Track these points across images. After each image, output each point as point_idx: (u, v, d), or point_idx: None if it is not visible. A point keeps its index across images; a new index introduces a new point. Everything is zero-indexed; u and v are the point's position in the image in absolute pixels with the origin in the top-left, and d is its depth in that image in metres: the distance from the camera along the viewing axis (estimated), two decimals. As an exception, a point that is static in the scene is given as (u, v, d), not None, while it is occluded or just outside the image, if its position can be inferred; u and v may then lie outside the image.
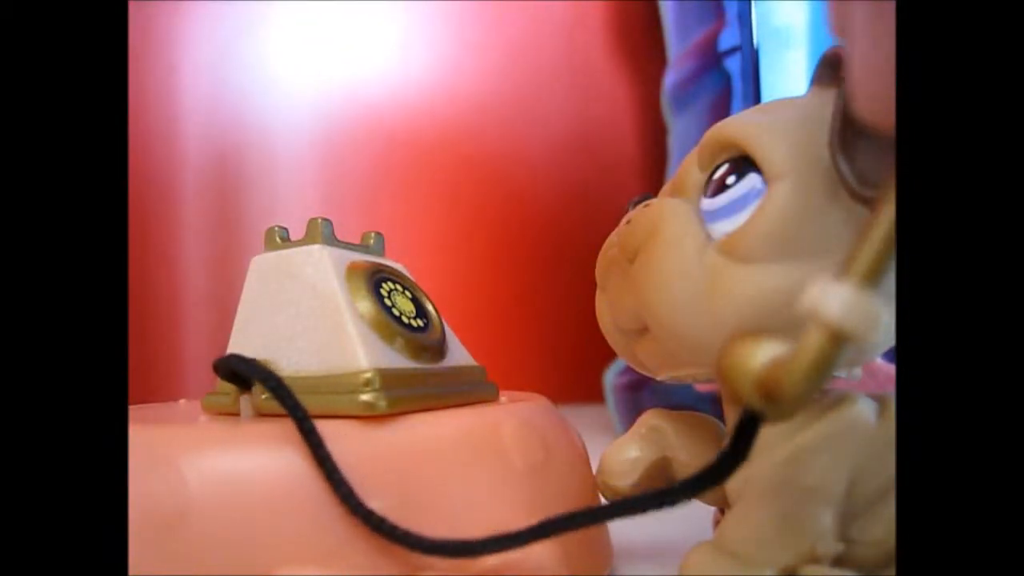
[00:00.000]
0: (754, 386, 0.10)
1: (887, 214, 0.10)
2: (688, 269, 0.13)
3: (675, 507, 0.12)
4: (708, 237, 0.14)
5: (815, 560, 0.13)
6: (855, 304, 0.09)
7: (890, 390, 0.14)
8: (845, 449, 0.13)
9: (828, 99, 0.13)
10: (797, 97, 0.15)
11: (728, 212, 0.14)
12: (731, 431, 0.11)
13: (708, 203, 0.14)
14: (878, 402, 0.14)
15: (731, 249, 0.13)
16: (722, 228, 0.14)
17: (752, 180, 0.14)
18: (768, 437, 0.14)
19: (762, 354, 0.10)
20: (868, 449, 0.13)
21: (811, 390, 0.10)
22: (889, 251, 0.10)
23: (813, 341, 0.10)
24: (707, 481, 0.11)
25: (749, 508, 0.14)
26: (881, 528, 0.13)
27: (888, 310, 0.10)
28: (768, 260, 0.13)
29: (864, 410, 0.14)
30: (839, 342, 0.10)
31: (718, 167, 0.14)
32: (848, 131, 0.12)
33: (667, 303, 0.14)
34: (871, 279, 0.10)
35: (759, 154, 0.13)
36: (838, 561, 0.13)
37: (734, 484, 0.15)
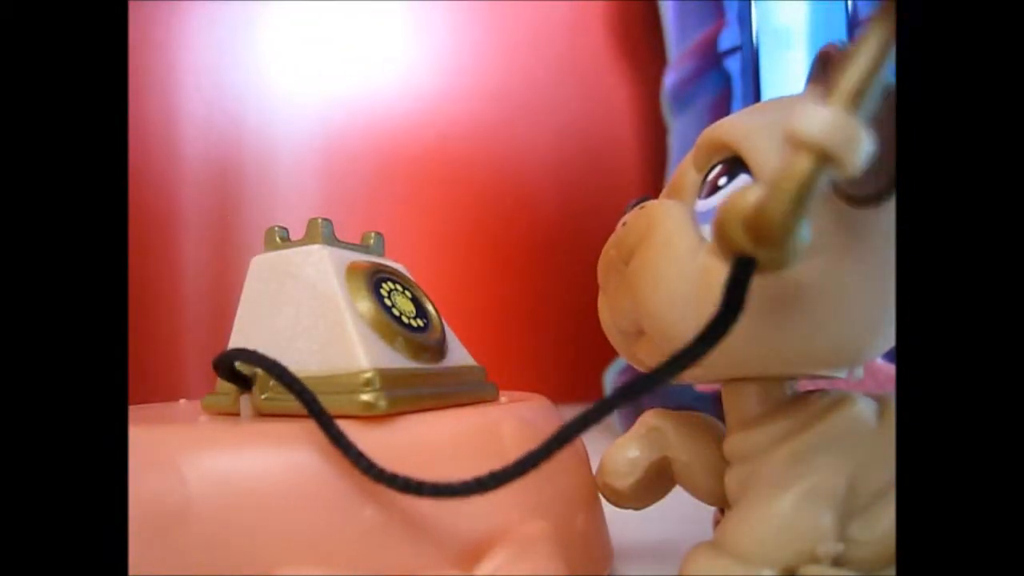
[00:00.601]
0: (742, 225, 0.10)
1: (869, 42, 0.10)
2: (680, 270, 0.13)
3: (673, 376, 0.11)
4: (701, 238, 0.14)
5: (815, 560, 0.13)
6: (835, 124, 0.09)
7: (890, 390, 0.14)
8: (845, 449, 0.13)
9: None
10: (793, 96, 0.15)
11: None
12: (725, 283, 0.11)
13: (702, 204, 0.14)
14: (878, 402, 0.14)
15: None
16: None
17: (743, 181, 0.14)
18: (769, 437, 0.14)
19: (749, 197, 0.10)
20: (868, 449, 0.13)
21: (795, 217, 0.10)
22: (870, 76, 0.10)
23: (794, 162, 0.10)
24: (708, 340, 0.11)
25: (749, 508, 0.14)
26: (881, 528, 0.13)
27: (868, 136, 0.10)
28: None
29: (864, 410, 0.14)
30: (820, 161, 0.10)
31: (712, 168, 0.14)
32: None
33: (660, 305, 0.14)
34: (852, 102, 0.10)
35: (749, 155, 0.13)
36: (838, 561, 0.13)
37: (734, 484, 0.15)
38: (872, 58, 0.10)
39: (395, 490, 0.13)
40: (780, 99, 0.15)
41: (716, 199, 0.14)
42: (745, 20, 0.38)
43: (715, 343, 0.11)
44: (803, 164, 0.10)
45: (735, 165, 0.14)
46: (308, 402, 0.14)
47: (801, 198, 0.10)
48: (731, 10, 0.40)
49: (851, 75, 0.10)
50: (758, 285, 0.12)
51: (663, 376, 0.11)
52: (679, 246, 0.14)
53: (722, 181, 0.14)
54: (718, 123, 0.15)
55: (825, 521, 0.13)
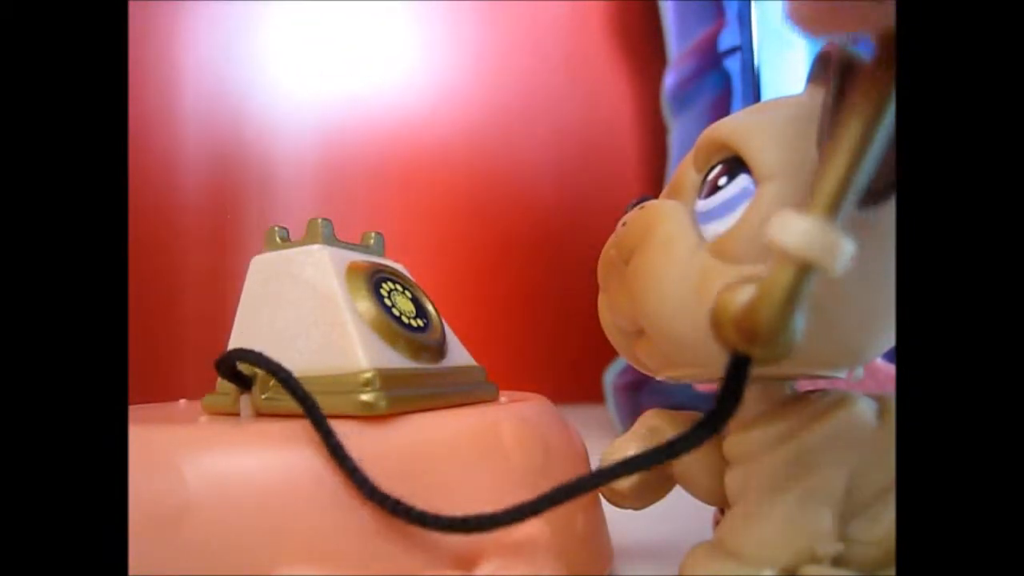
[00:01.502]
0: (733, 327, 0.11)
1: (841, 148, 0.10)
2: (679, 271, 0.13)
3: (675, 458, 0.12)
4: (701, 238, 0.14)
5: (815, 560, 0.13)
6: (814, 233, 0.10)
7: (890, 390, 0.14)
8: (845, 449, 0.13)
9: (821, 98, 0.13)
10: (792, 96, 0.15)
11: (719, 213, 0.14)
12: (722, 378, 0.11)
13: (701, 204, 0.14)
14: (878, 402, 0.14)
15: (722, 250, 0.13)
16: (714, 229, 0.14)
17: (743, 181, 0.14)
18: (769, 437, 0.14)
19: (740, 297, 0.11)
20: (868, 449, 0.13)
21: (784, 321, 0.10)
22: (847, 181, 0.10)
23: (778, 272, 0.10)
24: (707, 429, 0.12)
25: (749, 508, 0.14)
26: (881, 528, 0.13)
27: (848, 241, 0.10)
28: (757, 261, 0.13)
29: (864, 410, 0.14)
30: (803, 271, 0.10)
31: (712, 168, 0.14)
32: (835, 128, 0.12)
33: (659, 305, 0.14)
34: (830, 209, 0.10)
35: (748, 155, 0.13)
36: (838, 561, 0.13)
37: (734, 484, 0.15)
38: (848, 162, 0.10)
39: (387, 512, 0.13)
40: (780, 99, 0.15)
41: (717, 199, 0.14)
42: (745, 20, 0.38)
43: (712, 434, 0.12)
44: (787, 273, 0.10)
45: (735, 165, 0.14)
46: (309, 408, 0.14)
47: (787, 303, 0.10)
48: (731, 10, 0.40)
49: (828, 183, 0.10)
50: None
51: (659, 458, 0.12)
52: (678, 246, 0.14)
53: (722, 181, 0.14)
54: (718, 123, 0.15)
55: (825, 521, 0.13)
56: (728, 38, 0.40)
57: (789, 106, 0.14)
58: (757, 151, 0.13)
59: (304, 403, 0.14)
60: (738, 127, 0.14)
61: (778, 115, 0.14)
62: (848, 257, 0.10)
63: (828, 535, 0.13)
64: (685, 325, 0.13)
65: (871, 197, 0.12)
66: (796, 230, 0.10)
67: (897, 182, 0.11)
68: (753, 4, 0.38)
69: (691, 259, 0.13)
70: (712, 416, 0.12)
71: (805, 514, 0.13)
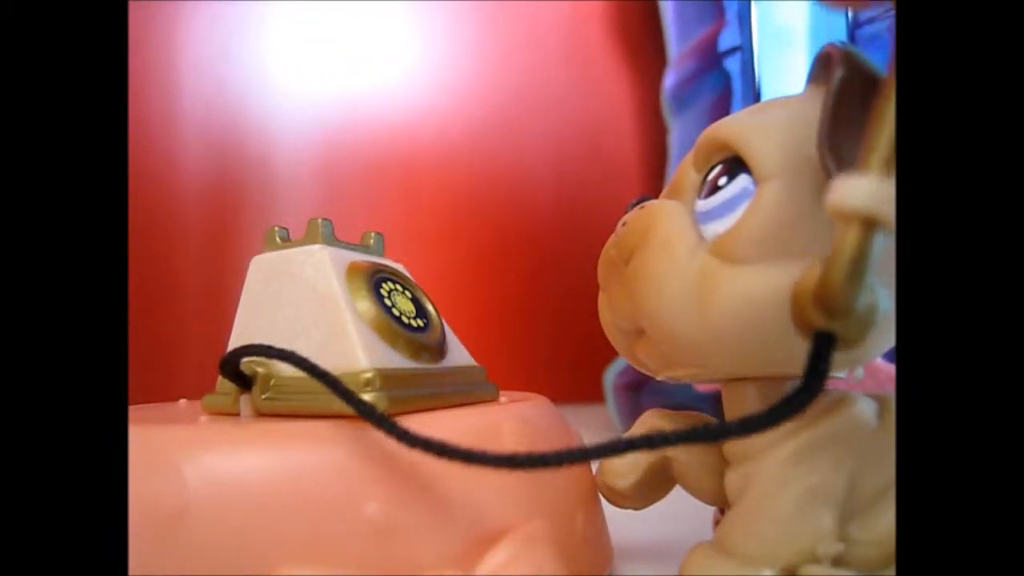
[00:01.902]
0: (812, 302, 0.11)
1: (891, 104, 0.10)
2: (679, 271, 0.13)
3: (758, 432, 0.12)
4: (701, 238, 0.14)
5: (815, 560, 0.13)
6: (878, 191, 0.10)
7: (890, 390, 0.14)
8: (845, 449, 0.13)
9: (821, 97, 0.13)
10: (793, 96, 0.15)
11: (720, 213, 0.14)
12: (808, 359, 0.11)
13: (701, 204, 0.14)
14: (878, 402, 0.14)
15: (722, 250, 0.13)
16: (714, 229, 0.14)
17: (743, 181, 0.14)
18: (769, 437, 0.14)
19: (814, 273, 0.11)
20: (868, 449, 0.13)
21: (857, 284, 0.10)
22: (894, 143, 0.10)
23: (847, 235, 0.10)
24: (794, 405, 0.11)
25: (749, 507, 0.14)
26: (881, 528, 0.13)
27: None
28: (758, 261, 0.13)
29: (864, 410, 0.14)
30: (871, 229, 0.10)
31: (712, 168, 0.14)
32: (836, 129, 0.12)
33: (659, 305, 0.14)
34: (888, 167, 0.10)
35: (749, 155, 0.13)
36: (838, 561, 0.13)
37: (734, 484, 0.15)
38: (893, 122, 0.10)
39: (440, 457, 0.13)
40: (780, 99, 0.15)
41: (717, 199, 0.14)
42: (745, 20, 0.38)
43: (794, 413, 0.11)
44: (854, 234, 0.10)
45: (735, 165, 0.14)
46: (331, 383, 0.14)
47: (858, 266, 0.10)
48: (731, 10, 0.40)
49: (880, 141, 0.10)
50: (759, 286, 0.12)
51: (742, 431, 0.12)
52: (679, 247, 0.14)
53: (722, 181, 0.14)
54: (718, 123, 0.15)
55: (825, 521, 0.13)
56: (728, 38, 0.40)
57: (789, 106, 0.14)
58: (757, 151, 0.13)
59: (323, 378, 0.14)
60: (738, 127, 0.14)
61: (778, 115, 0.14)
62: None
63: (828, 535, 0.13)
64: (685, 325, 0.13)
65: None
66: (857, 190, 0.10)
67: (897, 183, 0.11)
68: (753, 4, 0.38)
69: (691, 259, 0.13)
70: (796, 396, 0.11)
71: (805, 514, 0.13)
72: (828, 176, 0.12)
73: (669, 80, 0.48)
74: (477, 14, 0.66)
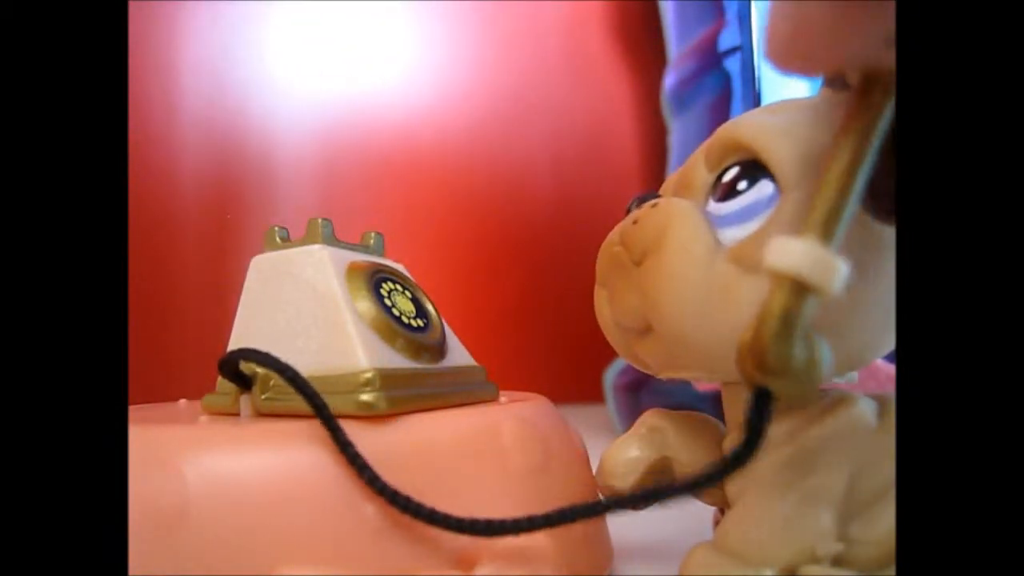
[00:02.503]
0: (746, 358, 0.11)
1: (833, 172, 0.10)
2: (698, 275, 0.13)
3: (693, 497, 0.12)
4: (717, 242, 0.14)
5: (815, 560, 0.13)
6: (808, 254, 0.10)
7: (890, 390, 0.14)
8: (845, 449, 0.13)
9: (838, 104, 0.13)
10: (806, 99, 0.14)
11: (739, 218, 0.14)
12: (746, 415, 0.11)
13: (717, 207, 0.14)
14: (878, 402, 0.14)
15: (742, 258, 0.13)
16: (732, 234, 0.14)
17: (764, 187, 0.13)
18: (768, 438, 0.14)
19: (749, 331, 0.11)
20: (868, 449, 0.13)
21: (786, 343, 0.10)
22: (839, 205, 0.10)
23: (774, 295, 0.10)
24: (730, 467, 0.12)
25: (749, 508, 0.14)
26: (881, 528, 0.13)
27: (843, 262, 0.10)
28: None
29: (864, 411, 0.14)
30: (800, 292, 0.10)
31: (727, 169, 0.14)
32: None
33: (676, 308, 0.13)
34: (824, 231, 0.10)
35: (773, 161, 0.13)
36: (838, 561, 0.13)
37: (734, 484, 0.15)
38: (833, 189, 0.10)
39: (397, 509, 0.13)
40: (794, 101, 0.14)
41: (735, 204, 0.14)
42: (745, 20, 0.38)
43: (736, 469, 0.12)
44: (784, 295, 0.10)
45: (753, 168, 0.13)
46: (316, 405, 0.14)
47: (786, 326, 0.10)
48: (731, 10, 0.40)
49: (820, 206, 0.10)
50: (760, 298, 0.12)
51: (680, 493, 0.12)
52: (697, 251, 0.13)
53: (742, 185, 0.14)
54: (735, 122, 0.14)
55: (825, 521, 0.13)
56: (728, 38, 0.40)
57: (807, 111, 0.14)
58: (781, 159, 0.13)
59: (311, 400, 0.14)
60: (760, 129, 0.14)
61: (797, 120, 0.13)
62: (844, 278, 0.10)
63: (828, 535, 0.13)
64: (702, 329, 0.13)
65: (888, 214, 0.12)
66: (790, 252, 0.10)
67: (896, 185, 0.11)
68: (753, 4, 0.38)
69: (709, 264, 0.13)
70: (738, 454, 0.11)
71: (805, 514, 0.13)
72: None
73: (669, 80, 0.48)
74: (477, 14, 0.66)
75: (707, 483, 0.12)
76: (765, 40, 0.11)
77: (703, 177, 0.15)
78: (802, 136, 0.13)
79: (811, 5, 0.10)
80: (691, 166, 0.15)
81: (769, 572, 0.13)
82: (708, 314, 0.13)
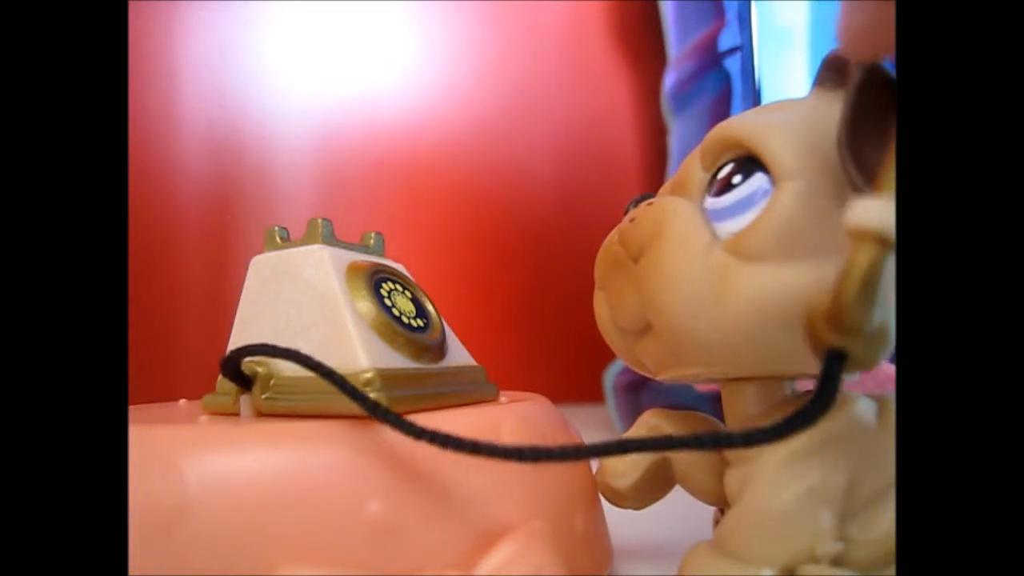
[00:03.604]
0: (823, 321, 0.11)
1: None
2: (695, 268, 0.13)
3: (772, 442, 0.12)
4: (714, 236, 0.14)
5: (814, 560, 0.13)
6: (890, 213, 0.10)
7: (890, 390, 0.14)
8: (844, 449, 0.13)
9: (831, 101, 0.13)
10: (798, 99, 0.15)
11: (734, 211, 0.14)
12: (819, 376, 0.11)
13: (713, 202, 0.14)
14: (878, 402, 0.14)
15: (739, 248, 0.13)
16: (728, 227, 0.14)
17: (759, 180, 0.13)
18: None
19: (827, 292, 0.11)
20: (867, 449, 0.13)
21: (869, 302, 0.11)
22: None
23: (859, 254, 0.11)
24: (803, 421, 0.11)
25: (748, 507, 0.14)
26: (881, 528, 0.13)
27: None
28: (776, 259, 0.13)
29: (863, 410, 0.14)
30: (883, 248, 0.10)
31: (722, 166, 0.14)
32: (856, 132, 0.12)
33: (674, 302, 0.14)
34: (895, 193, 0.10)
35: (767, 153, 0.13)
36: (837, 561, 0.13)
37: (733, 484, 0.15)
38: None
39: (439, 446, 0.13)
40: (786, 101, 0.15)
41: (731, 197, 0.14)
42: (745, 20, 0.38)
43: (803, 428, 0.12)
44: (867, 253, 0.11)
45: (748, 164, 0.14)
46: (338, 382, 0.14)
47: (869, 285, 0.11)
48: (731, 10, 0.40)
49: (893, 168, 0.11)
50: (776, 285, 0.13)
51: (735, 443, 0.12)
52: (694, 244, 0.14)
53: (736, 179, 0.14)
54: (728, 122, 0.15)
55: (824, 521, 0.13)
56: (728, 38, 0.40)
57: (800, 108, 0.14)
58: (775, 150, 0.13)
59: (329, 376, 0.14)
60: (754, 126, 0.14)
61: (791, 116, 0.14)
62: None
63: (827, 535, 0.13)
64: (700, 322, 0.13)
65: (864, 184, 0.12)
66: (871, 210, 0.10)
67: (897, 184, 0.11)
68: (753, 4, 0.37)
69: (707, 257, 0.13)
70: (807, 411, 0.11)
71: (804, 514, 0.13)
72: (849, 181, 0.12)
73: (669, 80, 0.48)
74: (477, 14, 0.66)
75: (772, 438, 0.12)
76: (841, 23, 0.11)
77: (699, 176, 0.15)
78: (795, 130, 0.13)
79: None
80: (686, 167, 0.15)
81: (768, 572, 0.13)
82: (706, 305, 0.13)
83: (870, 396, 0.15)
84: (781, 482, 0.13)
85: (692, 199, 0.15)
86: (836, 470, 0.13)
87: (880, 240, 0.10)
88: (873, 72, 0.12)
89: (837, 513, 0.13)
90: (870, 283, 0.11)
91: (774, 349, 0.13)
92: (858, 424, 0.14)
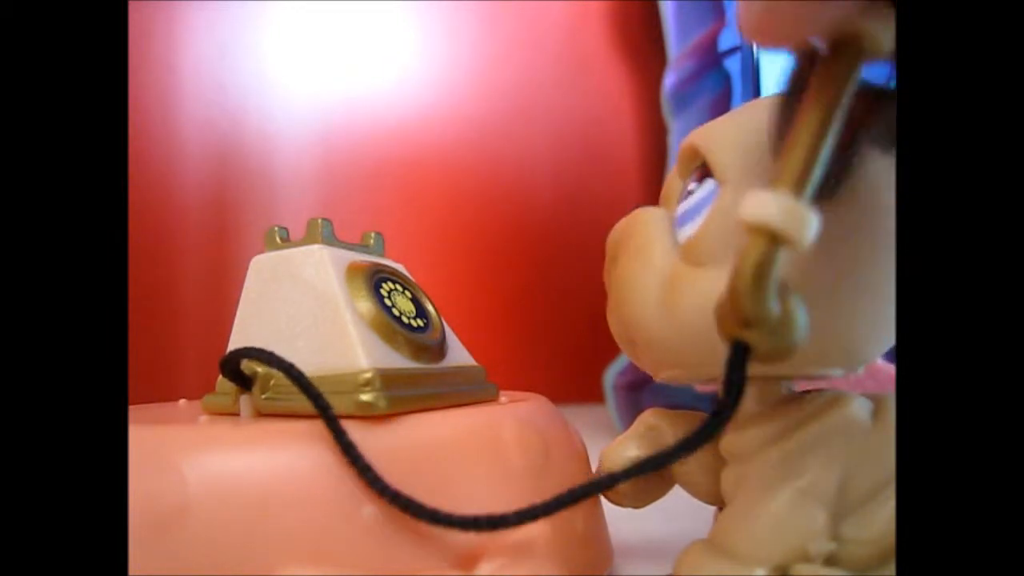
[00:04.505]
0: (724, 313, 0.11)
1: (804, 126, 0.11)
2: (654, 277, 0.14)
3: (676, 460, 0.12)
4: (675, 243, 0.14)
5: (807, 559, 0.13)
6: (781, 206, 0.10)
7: (890, 390, 0.14)
8: (838, 449, 0.13)
9: (783, 103, 0.13)
10: (766, 99, 0.15)
11: (690, 216, 0.14)
12: (724, 367, 0.12)
13: (679, 209, 0.15)
14: (873, 402, 0.14)
15: (688, 254, 0.14)
16: (685, 233, 0.14)
17: (710, 185, 0.14)
18: (763, 436, 0.14)
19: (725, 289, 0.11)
20: (861, 449, 0.14)
21: (761, 292, 0.11)
22: (809, 164, 0.11)
23: (750, 246, 0.11)
24: (711, 428, 0.12)
25: (742, 506, 0.14)
26: (873, 527, 0.13)
27: (815, 215, 0.10)
28: (719, 263, 0.13)
29: (857, 410, 0.14)
30: (773, 242, 0.10)
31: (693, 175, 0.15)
32: (781, 132, 0.12)
33: (635, 310, 0.14)
34: (796, 184, 0.11)
35: (711, 157, 0.14)
36: (830, 560, 0.13)
37: (728, 483, 0.15)
38: (805, 143, 0.11)
39: (398, 509, 0.13)
40: (754, 103, 0.15)
41: (689, 203, 0.14)
42: (745, 20, 0.38)
43: (715, 432, 0.12)
44: (757, 246, 0.11)
45: (705, 170, 0.14)
46: (319, 405, 0.14)
47: (761, 275, 0.11)
48: (731, 10, 0.40)
49: (793, 161, 0.11)
50: (718, 288, 0.13)
51: (663, 462, 0.13)
52: (653, 252, 0.14)
53: (692, 186, 0.14)
54: (693, 131, 0.15)
55: (817, 520, 0.13)
56: (728, 38, 0.40)
57: (751, 109, 0.14)
58: (718, 155, 0.14)
59: (315, 400, 0.14)
60: (705, 132, 0.14)
61: (745, 119, 0.14)
62: (814, 230, 0.10)
63: (820, 534, 0.13)
64: (663, 329, 0.14)
65: (825, 191, 0.12)
66: (763, 204, 0.10)
67: (897, 183, 0.11)
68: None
69: (662, 264, 0.14)
70: (715, 414, 0.12)
71: (797, 513, 0.13)
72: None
73: (669, 80, 0.48)
74: (477, 14, 0.66)
75: (689, 447, 0.12)
76: (738, 15, 0.11)
77: (676, 186, 0.16)
78: (742, 134, 0.14)
79: None
80: (670, 178, 0.16)
81: (761, 571, 0.13)
82: (666, 312, 0.14)
83: (866, 396, 0.15)
84: (775, 481, 0.13)
85: (671, 208, 0.15)
86: (829, 470, 0.13)
87: (770, 234, 0.10)
88: (807, 60, 0.12)
89: (830, 512, 0.13)
90: (762, 275, 0.10)
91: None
92: (852, 424, 0.14)
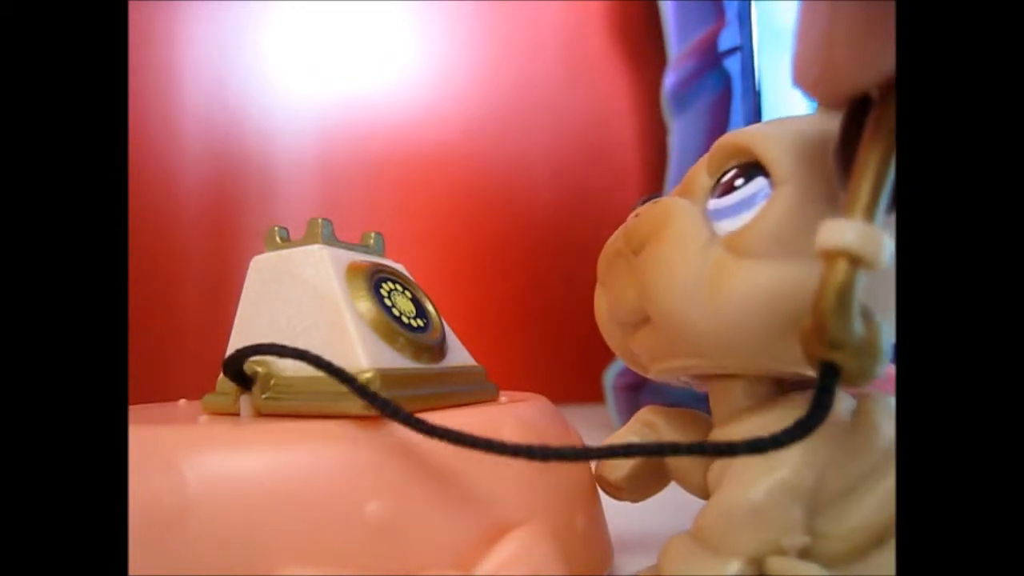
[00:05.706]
0: (810, 337, 0.12)
1: (870, 164, 0.12)
2: (692, 261, 0.14)
3: (773, 450, 0.12)
4: (713, 234, 0.14)
5: (781, 552, 0.13)
6: (860, 231, 0.11)
7: (890, 390, 0.14)
8: (816, 444, 0.14)
9: (832, 116, 0.14)
10: (803, 115, 0.15)
11: (734, 211, 0.14)
12: (815, 388, 0.12)
13: (715, 203, 0.15)
14: (856, 399, 0.15)
15: (735, 245, 0.14)
16: (727, 226, 0.14)
17: (759, 183, 0.14)
18: (746, 431, 0.14)
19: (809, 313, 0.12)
20: (840, 445, 0.14)
21: (845, 315, 0.11)
22: (878, 191, 0.11)
23: (831, 272, 0.11)
24: (800, 432, 0.12)
25: (721, 499, 0.14)
26: (849, 523, 0.13)
27: (889, 236, 0.11)
28: (769, 256, 0.13)
29: (838, 409, 0.14)
30: (854, 265, 0.11)
31: (727, 172, 0.15)
32: (846, 152, 0.13)
33: (671, 292, 0.14)
34: (870, 210, 0.11)
35: (768, 158, 0.14)
36: (804, 554, 0.13)
37: (713, 476, 0.15)
38: (876, 175, 0.11)
39: (451, 442, 0.13)
40: (793, 117, 0.16)
41: (733, 198, 0.15)
42: (745, 20, 0.38)
43: (800, 438, 0.12)
44: (839, 271, 0.11)
45: (751, 169, 0.14)
46: (347, 380, 0.14)
47: (843, 299, 0.11)
48: (731, 10, 0.40)
49: (863, 192, 0.11)
50: (769, 279, 0.13)
51: (723, 452, 0.13)
52: (693, 241, 0.14)
53: (739, 182, 0.15)
54: (734, 131, 0.15)
55: (793, 513, 0.13)
56: (728, 38, 0.40)
57: (802, 122, 0.15)
58: (776, 155, 0.14)
59: (338, 374, 0.14)
60: (758, 134, 0.15)
61: (794, 128, 0.15)
62: (890, 251, 0.11)
63: (795, 528, 0.13)
64: (696, 313, 0.14)
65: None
66: (841, 231, 0.11)
67: (896, 183, 0.11)
68: (753, 4, 0.38)
69: (704, 251, 0.14)
70: (803, 423, 0.12)
71: (773, 505, 0.13)
72: (840, 186, 0.13)
73: (669, 80, 0.48)
74: (476, 14, 0.66)
75: (766, 448, 0.12)
76: (794, 71, 0.12)
77: (703, 181, 0.16)
78: (795, 140, 0.14)
79: (836, 37, 0.11)
80: (692, 173, 0.16)
81: (735, 562, 0.13)
82: (701, 297, 0.14)
83: (851, 394, 0.15)
84: (753, 475, 0.13)
85: (696, 202, 0.15)
86: (807, 464, 0.13)
87: (851, 258, 0.11)
88: (859, 102, 0.13)
89: (806, 507, 0.13)
90: (844, 300, 0.11)
91: (763, 344, 0.14)
92: (832, 420, 0.14)
